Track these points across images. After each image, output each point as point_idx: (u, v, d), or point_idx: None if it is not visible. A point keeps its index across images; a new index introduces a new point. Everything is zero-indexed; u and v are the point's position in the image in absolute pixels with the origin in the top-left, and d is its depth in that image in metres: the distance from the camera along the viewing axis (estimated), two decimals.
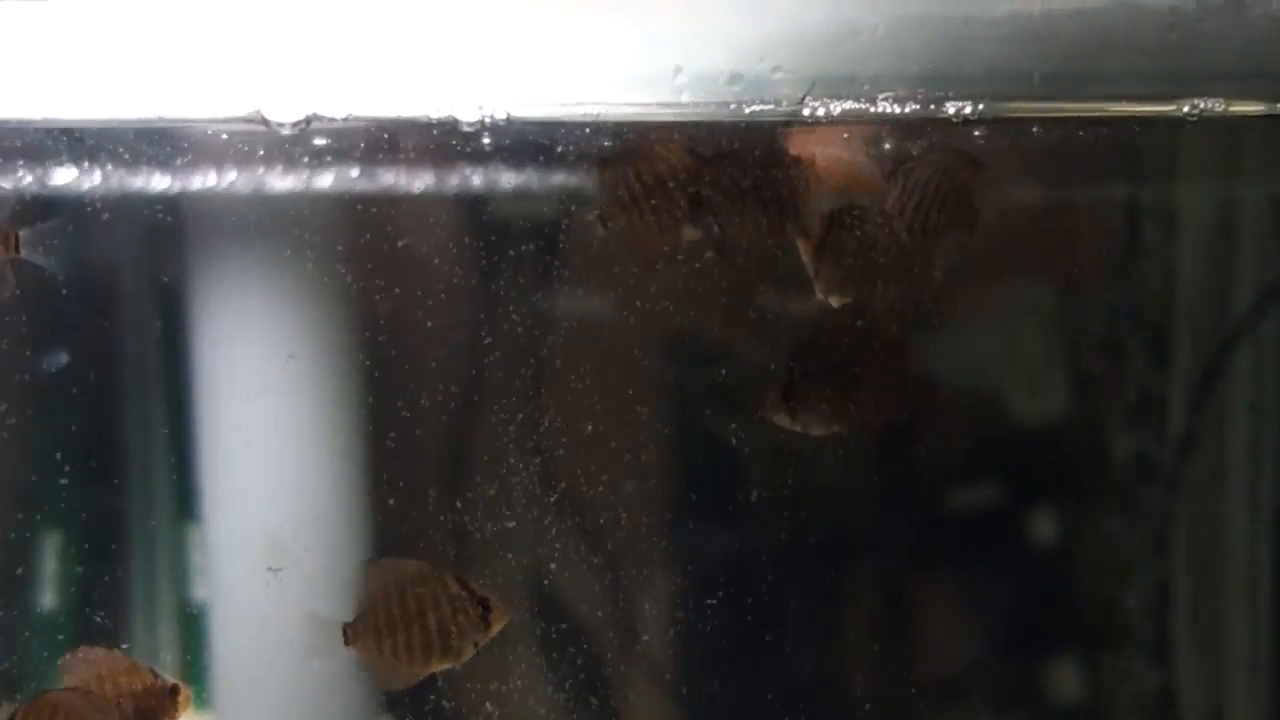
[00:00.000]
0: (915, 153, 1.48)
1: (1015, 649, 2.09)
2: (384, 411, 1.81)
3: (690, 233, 1.38)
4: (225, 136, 1.32)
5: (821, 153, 1.45)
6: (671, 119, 1.28)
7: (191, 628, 1.89)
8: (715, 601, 1.90)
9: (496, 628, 1.27)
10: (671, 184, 1.34)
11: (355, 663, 1.27)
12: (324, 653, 1.51)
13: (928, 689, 2.08)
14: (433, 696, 1.83)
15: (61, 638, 1.85)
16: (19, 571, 1.81)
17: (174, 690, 1.33)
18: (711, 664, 1.93)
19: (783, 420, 1.39)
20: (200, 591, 1.87)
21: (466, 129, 1.19)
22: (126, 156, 1.43)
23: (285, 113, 1.16)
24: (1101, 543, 2.08)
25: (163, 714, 1.32)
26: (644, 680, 1.96)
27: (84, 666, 1.33)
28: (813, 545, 1.93)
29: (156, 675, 1.32)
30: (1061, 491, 2.09)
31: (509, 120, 1.19)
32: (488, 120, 1.19)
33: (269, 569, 1.66)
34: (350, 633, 1.26)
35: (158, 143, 1.37)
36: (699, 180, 1.34)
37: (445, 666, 1.26)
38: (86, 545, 1.84)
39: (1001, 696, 2.10)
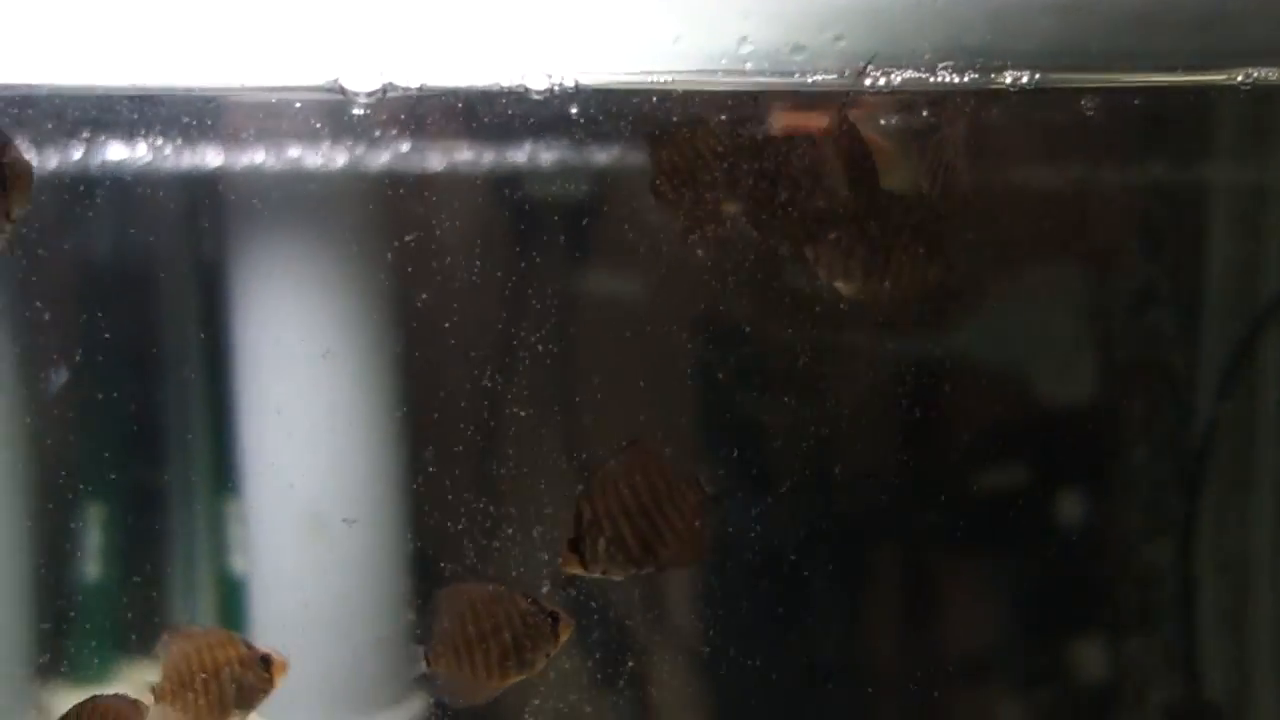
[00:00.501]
0: (932, 123, 1.47)
1: (1041, 630, 2.10)
2: (423, 386, 1.82)
3: (731, 209, 1.38)
4: (299, 105, 1.34)
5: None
6: (736, 89, 1.30)
7: (231, 598, 1.90)
8: (744, 578, 1.91)
9: (564, 638, 1.33)
10: (719, 163, 1.34)
11: (436, 682, 1.32)
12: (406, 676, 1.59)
13: (954, 668, 2.09)
14: None
15: (106, 608, 1.87)
16: (64, 543, 1.83)
17: (266, 660, 1.36)
18: (739, 640, 1.94)
19: (577, 570, 1.35)
20: (240, 563, 1.89)
21: (536, 97, 1.21)
22: (194, 125, 1.44)
23: (362, 82, 1.18)
24: (1128, 525, 2.09)
25: (260, 685, 1.35)
26: (672, 657, 1.98)
27: (181, 642, 1.36)
28: (840, 524, 1.94)
29: (249, 646, 1.35)
30: (1088, 474, 2.10)
31: (578, 89, 1.20)
32: (557, 89, 1.20)
33: (343, 520, 1.69)
34: (431, 655, 1.31)
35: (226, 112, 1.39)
36: (742, 162, 1.35)
37: (519, 679, 1.31)
38: (130, 517, 1.86)
39: (1027, 677, 2.11)
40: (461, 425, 1.85)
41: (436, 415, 1.83)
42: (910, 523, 2.02)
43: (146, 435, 1.85)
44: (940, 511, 2.01)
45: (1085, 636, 2.10)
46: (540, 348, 1.82)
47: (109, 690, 1.88)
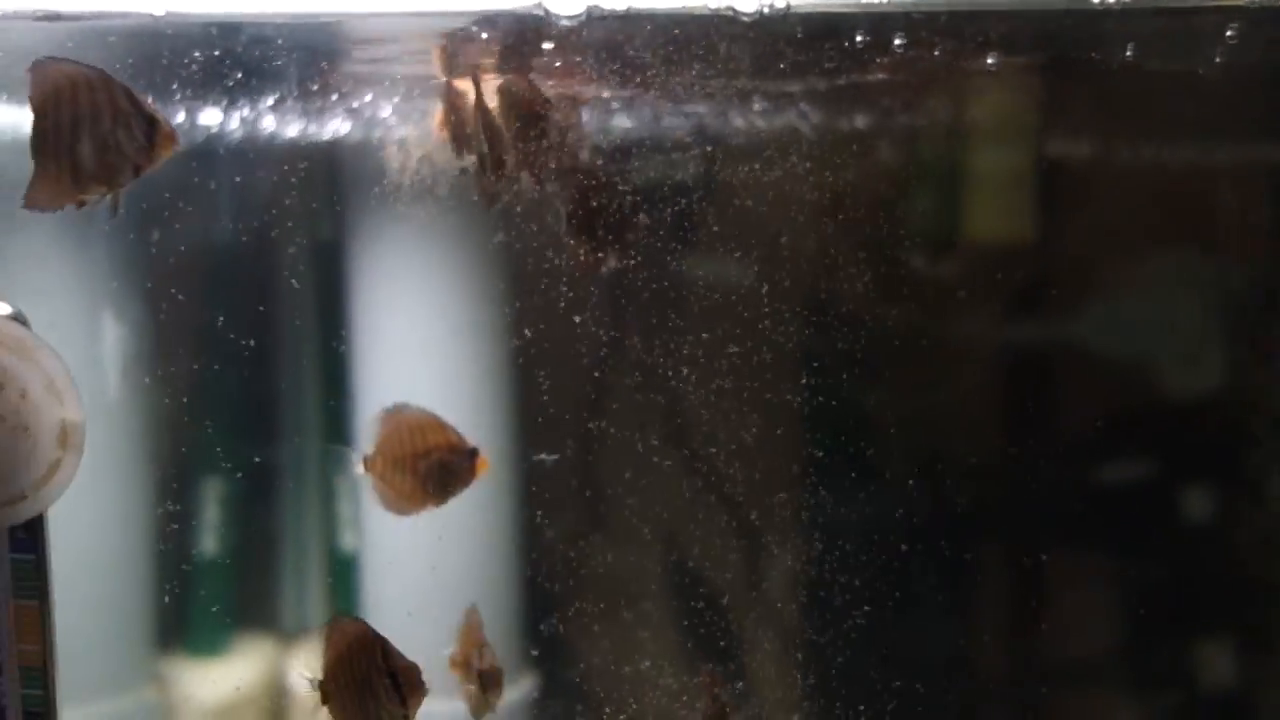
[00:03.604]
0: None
1: (1166, 630, 2.05)
2: (534, 370, 1.81)
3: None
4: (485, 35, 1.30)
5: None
6: (954, 8, 1.25)
7: (343, 576, 1.90)
8: (851, 571, 1.88)
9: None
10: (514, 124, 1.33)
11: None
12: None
13: (1069, 671, 2.04)
14: (570, 653, 1.83)
15: (222, 582, 1.87)
16: (183, 518, 1.83)
17: (473, 453, 1.39)
18: (845, 636, 1.91)
19: None
20: (351, 540, 1.88)
21: (745, 19, 1.17)
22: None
23: (565, 3, 1.15)
24: (1255, 522, 2.04)
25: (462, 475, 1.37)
26: (772, 644, 1.95)
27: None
28: (950, 517, 1.91)
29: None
30: (1214, 468, 2.05)
31: (788, 11, 1.17)
32: (766, 10, 1.17)
33: (542, 457, 1.69)
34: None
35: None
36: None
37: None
38: (245, 494, 1.86)
39: (1148, 683, 2.06)
40: (576, 405, 1.83)
41: (551, 396, 1.81)
42: (1026, 518, 1.98)
43: (262, 413, 1.85)
44: (1059, 507, 1.97)
45: (1211, 642, 2.05)
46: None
47: (225, 663, 1.89)
